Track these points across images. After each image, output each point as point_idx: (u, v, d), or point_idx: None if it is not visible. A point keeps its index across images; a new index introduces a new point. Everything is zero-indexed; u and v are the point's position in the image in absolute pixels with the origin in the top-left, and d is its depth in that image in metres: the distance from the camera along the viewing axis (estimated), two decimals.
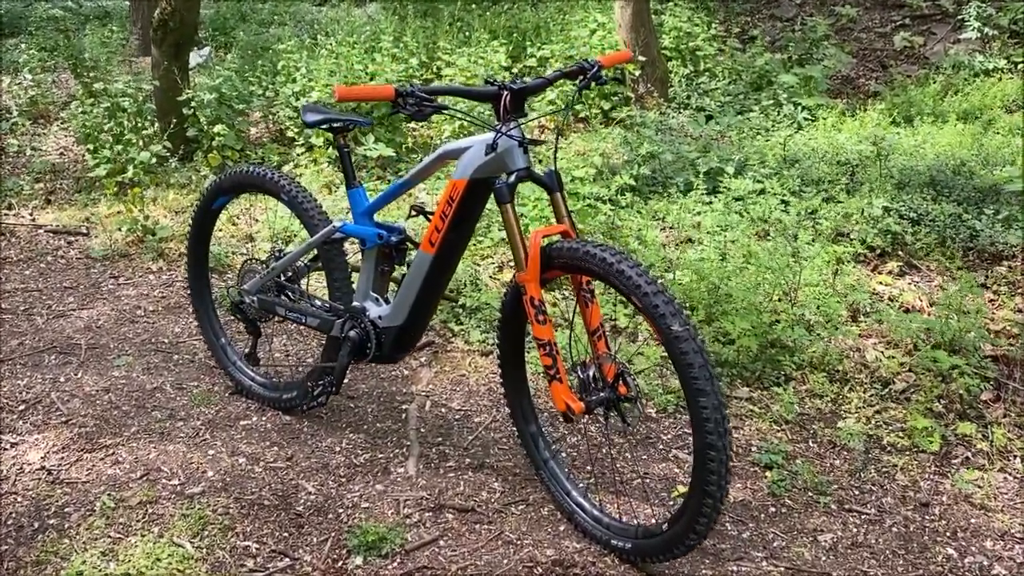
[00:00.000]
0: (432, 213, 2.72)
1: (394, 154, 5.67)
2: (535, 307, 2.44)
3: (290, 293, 3.22)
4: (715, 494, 2.17)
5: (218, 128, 5.79)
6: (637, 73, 6.97)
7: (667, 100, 7.20)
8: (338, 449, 3.08)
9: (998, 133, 6.32)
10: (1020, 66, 7.99)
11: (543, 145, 2.64)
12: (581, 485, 2.70)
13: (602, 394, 2.46)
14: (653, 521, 2.56)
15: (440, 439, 3.15)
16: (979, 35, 8.36)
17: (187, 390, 3.48)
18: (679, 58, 7.75)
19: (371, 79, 6.39)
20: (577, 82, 2.61)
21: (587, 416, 2.51)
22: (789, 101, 6.91)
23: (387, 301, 2.93)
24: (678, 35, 7.85)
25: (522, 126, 2.48)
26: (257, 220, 5.19)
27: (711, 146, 5.67)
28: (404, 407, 3.35)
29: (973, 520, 2.68)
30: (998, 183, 5.06)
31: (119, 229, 4.94)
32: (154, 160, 5.38)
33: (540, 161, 5.50)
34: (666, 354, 2.19)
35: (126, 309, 4.18)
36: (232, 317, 3.39)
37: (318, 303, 3.13)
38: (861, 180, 5.03)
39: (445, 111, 2.42)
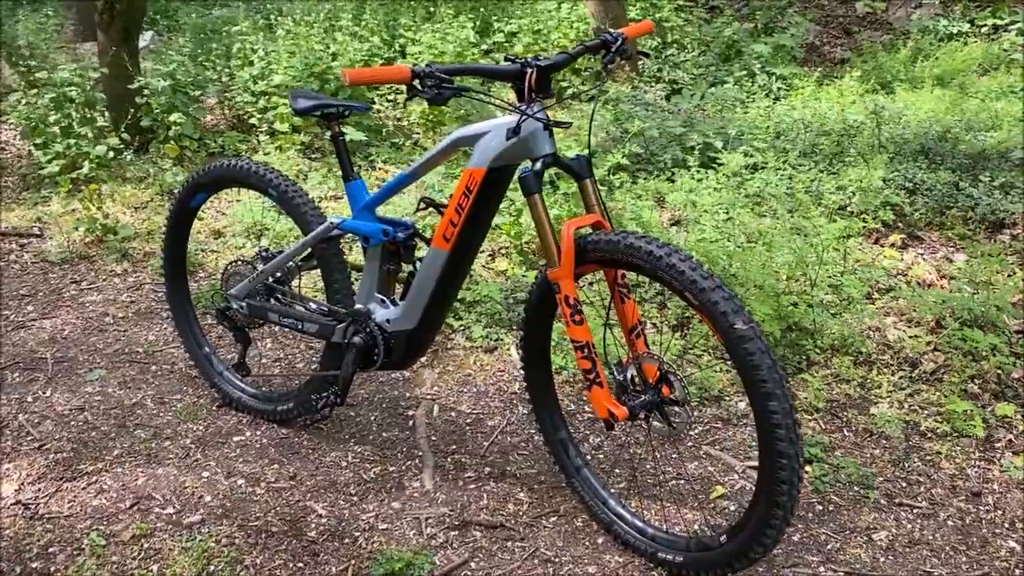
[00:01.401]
0: (444, 206, 2.48)
1: (364, 138, 5.38)
2: (570, 306, 2.23)
3: (281, 296, 2.96)
4: (786, 504, 2.00)
5: (175, 117, 5.44)
6: None
7: (638, 74, 7.01)
8: (344, 464, 2.85)
9: (974, 97, 6.26)
10: (983, 29, 7.97)
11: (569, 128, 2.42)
12: (615, 491, 2.52)
13: (645, 397, 2.27)
14: (708, 532, 2.39)
15: (454, 447, 2.93)
16: None
17: (170, 405, 3.20)
18: None
19: (333, 59, 6.08)
20: (600, 56, 2.40)
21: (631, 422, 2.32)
22: (763, 71, 6.77)
23: (394, 303, 2.69)
24: (645, 6, 7.65)
25: (546, 108, 2.26)
26: (224, 214, 4.88)
27: (693, 120, 5.49)
28: (410, 413, 3.12)
29: None
30: (987, 149, 4.98)
31: (76, 229, 4.59)
32: (111, 154, 5.02)
33: None
34: (728, 354, 2.00)
35: (93, 317, 3.87)
36: (219, 325, 3.12)
37: (314, 307, 2.88)
38: (854, 150, 4.89)
39: (466, 93, 2.18)
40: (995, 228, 4.27)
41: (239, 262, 3.03)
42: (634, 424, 2.44)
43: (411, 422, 3.07)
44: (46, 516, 2.60)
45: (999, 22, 7.89)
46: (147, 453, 2.91)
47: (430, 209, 2.64)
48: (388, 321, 2.65)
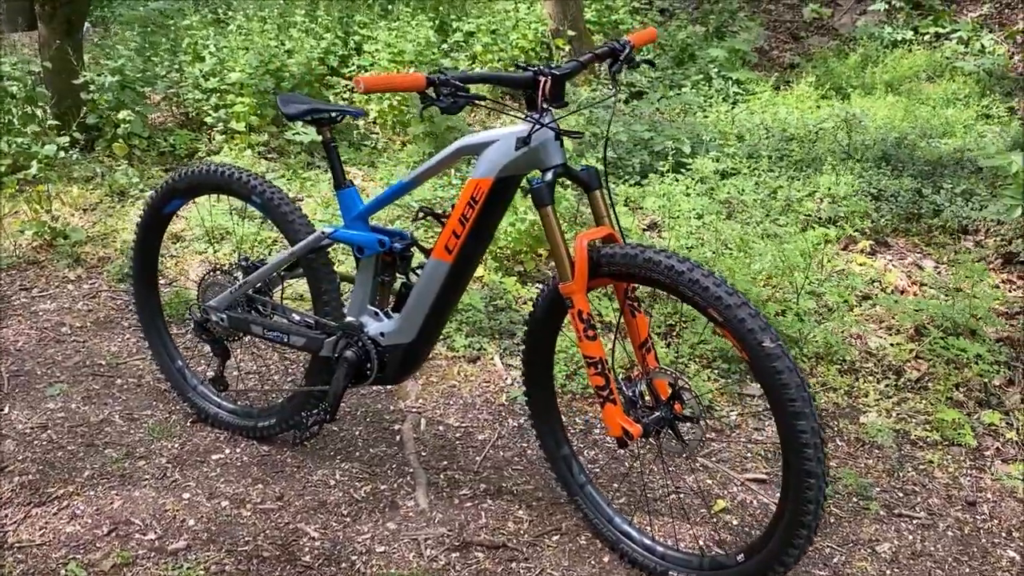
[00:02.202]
0: (444, 216, 2.40)
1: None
2: (584, 321, 2.17)
3: (262, 308, 2.83)
4: (811, 524, 1.97)
5: (123, 114, 5.21)
6: (567, 48, 6.73)
7: (595, 76, 6.99)
8: (332, 483, 2.74)
9: (925, 104, 6.40)
10: (926, 37, 8.17)
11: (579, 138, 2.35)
12: (617, 507, 2.47)
13: (658, 413, 2.22)
14: (722, 549, 2.35)
15: (445, 463, 2.84)
16: (886, 6, 8.50)
17: (141, 421, 3.04)
18: (601, 32, 7.55)
19: (289, 56, 5.91)
20: (607, 65, 2.34)
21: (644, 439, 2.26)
22: (719, 76, 6.81)
23: (387, 315, 2.59)
24: (600, 8, 7.64)
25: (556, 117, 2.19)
26: (182, 217, 4.68)
27: (656, 124, 5.48)
28: (396, 427, 3.02)
29: None
30: (944, 156, 5.09)
31: (23, 232, 4.35)
32: (62, 153, 4.78)
33: None
34: (754, 372, 1.96)
35: (48, 327, 3.66)
36: (196, 338, 2.97)
37: (298, 318, 2.76)
38: (825, 157, 4.94)
39: (480, 102, 2.10)
40: (959, 234, 4.36)
41: (217, 271, 2.89)
42: (643, 441, 2.39)
43: (398, 437, 2.97)
44: (17, 546, 2.43)
45: (941, 30, 8.09)
46: (120, 474, 2.75)
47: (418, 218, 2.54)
48: (382, 334, 2.55)
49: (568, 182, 2.38)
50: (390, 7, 6.95)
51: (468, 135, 2.33)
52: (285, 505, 2.63)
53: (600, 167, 2.28)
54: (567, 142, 2.52)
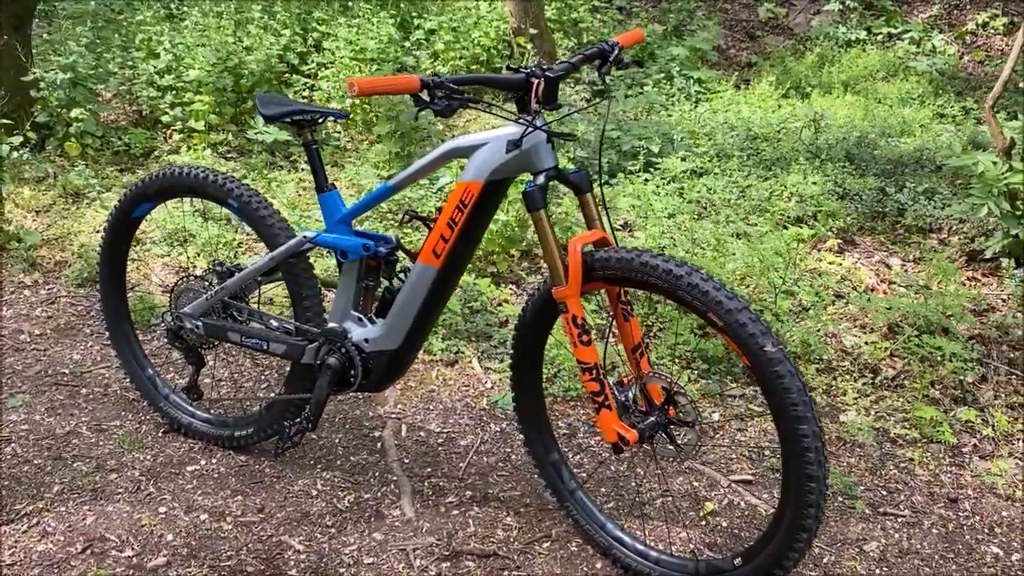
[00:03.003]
0: (431, 219, 2.35)
1: (293, 138, 5.12)
2: (578, 326, 2.14)
3: (237, 313, 2.75)
4: (811, 527, 1.97)
5: (76, 112, 5.04)
6: (529, 46, 6.70)
7: (574, 77, 6.97)
8: (314, 493, 2.67)
9: (882, 104, 6.51)
10: (879, 37, 8.32)
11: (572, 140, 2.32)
12: (608, 512, 2.45)
13: (653, 418, 2.20)
14: (718, 553, 2.35)
15: (429, 470, 2.79)
16: (839, 6, 8.63)
17: (109, 432, 2.94)
18: (561, 30, 7.53)
19: (248, 53, 5.78)
20: (596, 66, 2.31)
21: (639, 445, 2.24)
22: (680, 75, 6.84)
23: (371, 320, 2.54)
24: (560, 6, 7.62)
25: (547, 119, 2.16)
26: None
27: (621, 123, 5.48)
28: (376, 434, 2.96)
29: (1004, 513, 2.63)
30: (904, 155, 5.18)
31: None
32: (14, 153, 4.60)
33: None
34: (755, 377, 1.95)
35: (6, 334, 3.52)
36: (170, 346, 2.87)
37: (276, 324, 2.68)
38: (783, 156, 4.99)
39: (473, 105, 2.06)
40: (924, 233, 4.43)
41: (190, 277, 2.80)
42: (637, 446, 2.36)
43: (379, 444, 2.91)
44: None
45: (893, 30, 8.24)
46: (92, 488, 2.65)
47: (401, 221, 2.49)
48: (366, 341, 2.49)
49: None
50: (350, 3, 6.84)
51: (458, 136, 2.29)
52: (267, 517, 2.55)
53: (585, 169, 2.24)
54: None
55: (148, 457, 2.81)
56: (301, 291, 2.59)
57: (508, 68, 2.16)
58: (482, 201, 2.24)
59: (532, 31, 6.72)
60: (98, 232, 4.21)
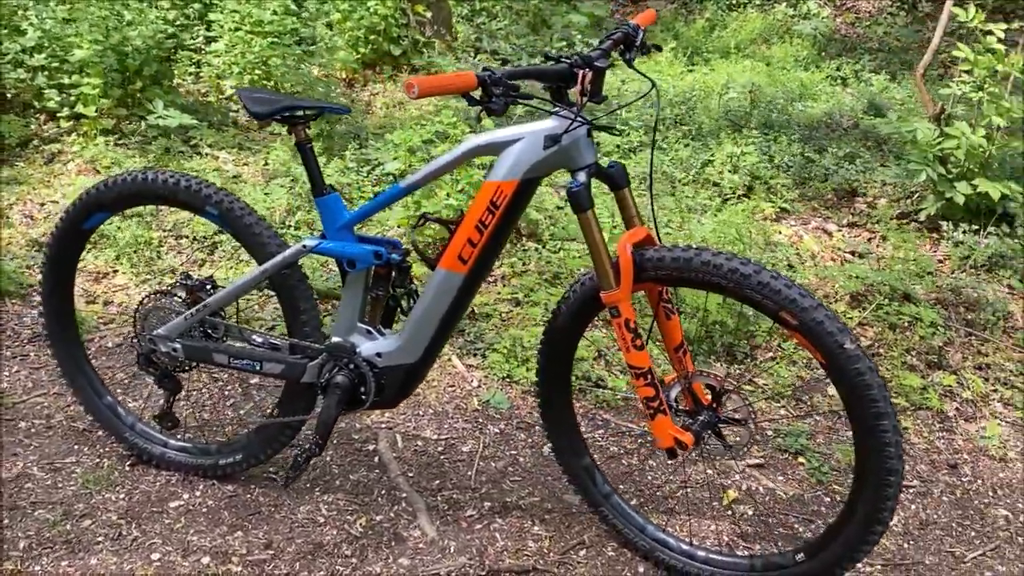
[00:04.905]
0: (452, 222, 2.18)
1: (193, 121, 4.71)
2: (631, 331, 2.04)
3: (213, 331, 2.48)
4: (886, 520, 1.96)
5: None
6: (428, 15, 6.45)
7: (454, 40, 6.76)
8: (321, 520, 2.47)
9: (778, 67, 6.68)
10: (758, 1, 8.53)
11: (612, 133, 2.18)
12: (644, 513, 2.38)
13: (702, 418, 2.14)
14: (776, 549, 2.32)
15: (437, 482, 2.64)
16: None
17: (67, 471, 2.61)
18: None
19: (131, 27, 5.26)
20: (620, 52, 2.19)
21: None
22: (582, 42, 6.77)
23: (380, 332, 2.34)
24: None
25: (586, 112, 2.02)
26: (31, 218, 4.09)
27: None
28: (370, 448, 2.77)
29: (1001, 474, 2.75)
30: (815, 120, 5.32)
31: None
32: None
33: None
34: (832, 375, 1.91)
35: None
36: (143, 371, 2.55)
37: (260, 340, 2.44)
38: (706, 126, 5.01)
39: (526, 101, 1.90)
40: (850, 197, 4.56)
41: (158, 295, 2.50)
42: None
43: (376, 459, 2.73)
44: None
45: None
46: (65, 539, 2.35)
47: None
48: (379, 355, 2.30)
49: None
50: None
51: (483, 133, 2.12)
52: (278, 553, 2.34)
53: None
54: None
55: (121, 496, 2.52)
56: (298, 304, 2.36)
57: (547, 58, 2.00)
58: (515, 201, 2.09)
59: None
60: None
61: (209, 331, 2.48)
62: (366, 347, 2.32)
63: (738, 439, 2.17)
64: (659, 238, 2.12)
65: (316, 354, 2.35)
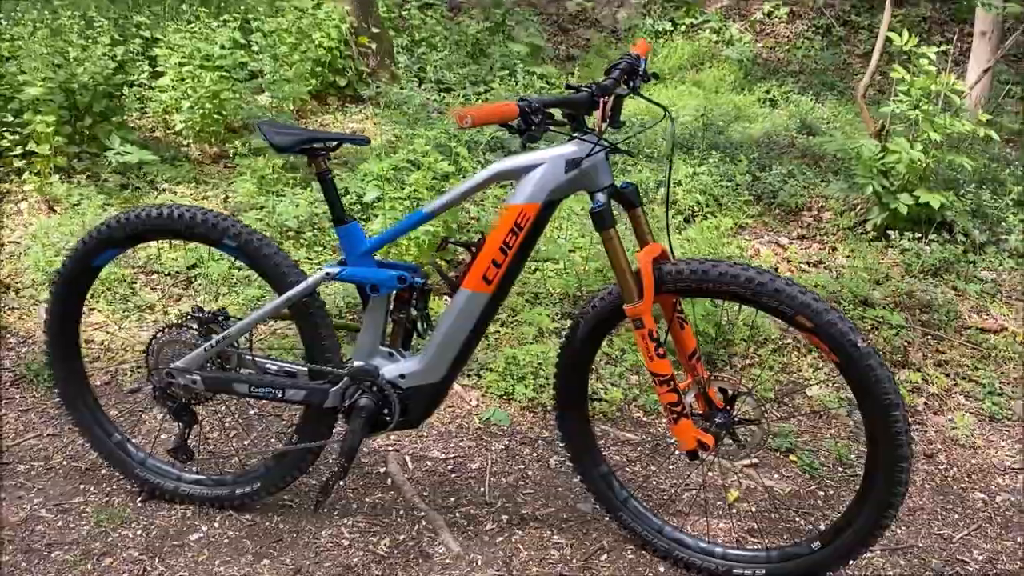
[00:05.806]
0: (473, 244, 2.27)
1: (152, 157, 4.68)
2: (654, 340, 2.17)
3: (225, 361, 2.50)
4: (898, 504, 2.12)
5: None
6: (373, 46, 6.53)
7: (396, 69, 6.86)
8: (345, 543, 2.51)
9: (712, 92, 6.98)
10: (682, 28, 8.88)
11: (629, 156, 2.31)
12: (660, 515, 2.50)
13: (719, 419, 2.28)
14: (791, 540, 2.46)
15: (453, 500, 2.70)
16: None
17: (77, 510, 2.58)
18: (393, 27, 7.41)
19: (79, 64, 5.19)
20: (624, 80, 2.32)
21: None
22: (523, 71, 6.95)
23: (401, 354, 2.41)
24: (389, 4, 7.48)
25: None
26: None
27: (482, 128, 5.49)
28: (380, 470, 2.82)
29: (973, 461, 2.96)
30: (753, 139, 5.59)
31: None
32: None
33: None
34: (845, 373, 2.06)
35: None
36: (160, 406, 2.55)
37: (275, 367, 2.48)
38: (658, 149, 5.22)
39: (556, 129, 2.01)
40: (797, 212, 4.82)
41: (171, 328, 2.52)
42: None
43: (389, 480, 2.77)
44: None
45: (695, 21, 8.83)
46: None
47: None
48: (402, 376, 2.37)
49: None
50: (183, 6, 6.34)
51: (505, 158, 2.22)
52: None
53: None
54: None
55: (139, 532, 2.51)
56: (319, 330, 2.41)
57: (568, 87, 2.12)
58: (537, 222, 2.20)
59: (374, 30, 6.55)
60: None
61: (222, 362, 2.50)
62: (389, 369, 2.38)
63: (750, 438, 2.31)
64: (673, 254, 2.25)
65: (338, 379, 2.40)
